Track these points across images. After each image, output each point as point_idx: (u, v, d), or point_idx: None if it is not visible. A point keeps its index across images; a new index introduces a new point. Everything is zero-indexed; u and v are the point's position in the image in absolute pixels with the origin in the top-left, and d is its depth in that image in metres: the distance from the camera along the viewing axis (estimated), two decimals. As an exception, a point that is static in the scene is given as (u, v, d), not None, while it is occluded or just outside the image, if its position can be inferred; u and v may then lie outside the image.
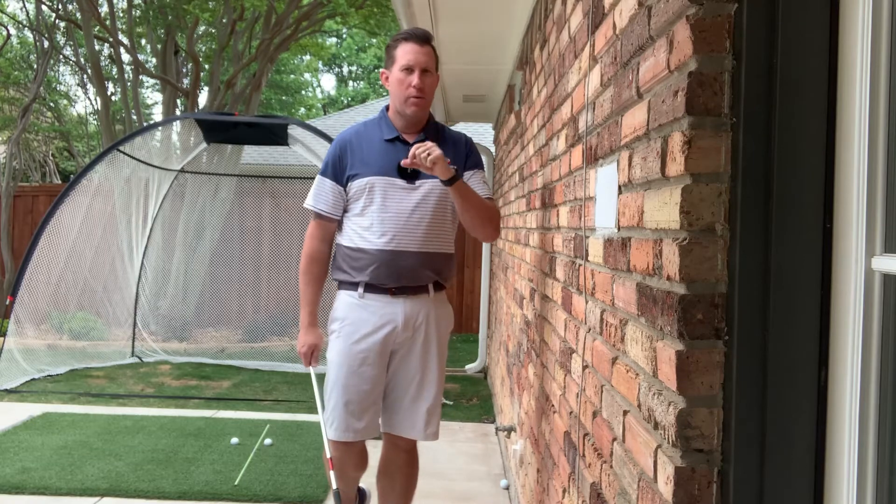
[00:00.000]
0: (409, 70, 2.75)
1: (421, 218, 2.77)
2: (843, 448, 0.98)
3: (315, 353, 2.93)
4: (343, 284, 2.86)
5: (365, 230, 2.79)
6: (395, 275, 2.77)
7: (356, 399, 2.79)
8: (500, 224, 2.88)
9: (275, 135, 7.17)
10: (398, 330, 2.79)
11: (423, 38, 2.80)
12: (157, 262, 8.53)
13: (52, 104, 16.80)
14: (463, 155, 2.86)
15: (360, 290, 2.80)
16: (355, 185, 2.80)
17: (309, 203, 2.90)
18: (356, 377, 2.78)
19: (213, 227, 8.90)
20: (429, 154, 2.53)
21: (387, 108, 2.90)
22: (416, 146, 2.56)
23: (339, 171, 2.85)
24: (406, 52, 2.76)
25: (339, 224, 2.90)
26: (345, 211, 2.86)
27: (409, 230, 2.77)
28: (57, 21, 12.99)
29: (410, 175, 2.76)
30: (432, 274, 2.83)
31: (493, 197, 2.93)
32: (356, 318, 2.80)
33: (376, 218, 2.77)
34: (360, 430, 2.81)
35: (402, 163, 2.60)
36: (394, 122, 2.86)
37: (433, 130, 2.88)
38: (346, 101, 29.03)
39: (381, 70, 2.94)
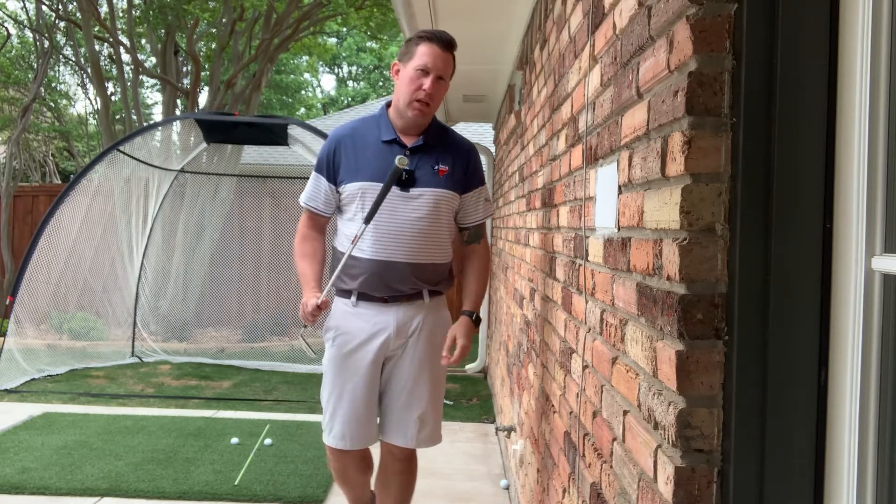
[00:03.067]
0: (424, 72, 2.62)
1: (414, 228, 2.66)
2: (843, 448, 0.98)
3: (315, 312, 2.62)
4: (338, 291, 2.79)
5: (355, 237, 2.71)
6: (384, 285, 2.69)
7: (352, 408, 2.74)
8: (491, 262, 2.92)
9: (275, 135, 7.18)
10: (391, 337, 2.72)
11: (447, 44, 2.66)
12: (156, 262, 8.53)
13: (52, 104, 16.81)
14: (462, 170, 2.74)
15: (353, 298, 2.74)
16: (347, 190, 2.70)
17: (302, 200, 2.83)
18: (349, 387, 2.73)
19: (212, 227, 8.90)
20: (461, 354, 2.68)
21: (387, 105, 2.77)
22: (455, 357, 2.69)
23: (331, 169, 2.74)
24: (426, 53, 2.63)
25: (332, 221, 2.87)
26: (340, 211, 2.78)
27: (401, 240, 2.66)
28: (57, 21, 13.00)
29: (405, 182, 2.64)
30: (425, 283, 2.74)
31: (491, 212, 2.90)
32: (349, 327, 2.74)
33: (368, 226, 2.65)
34: (356, 438, 2.76)
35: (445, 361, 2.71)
36: (393, 121, 2.73)
37: (434, 134, 2.75)
38: (346, 101, 29.03)
39: (393, 61, 2.78)
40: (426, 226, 2.68)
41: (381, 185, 2.64)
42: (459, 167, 2.74)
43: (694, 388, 1.06)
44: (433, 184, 2.68)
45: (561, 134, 2.39)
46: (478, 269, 2.85)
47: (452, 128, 2.95)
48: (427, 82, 2.62)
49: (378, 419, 2.86)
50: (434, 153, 2.72)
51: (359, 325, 2.73)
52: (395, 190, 2.65)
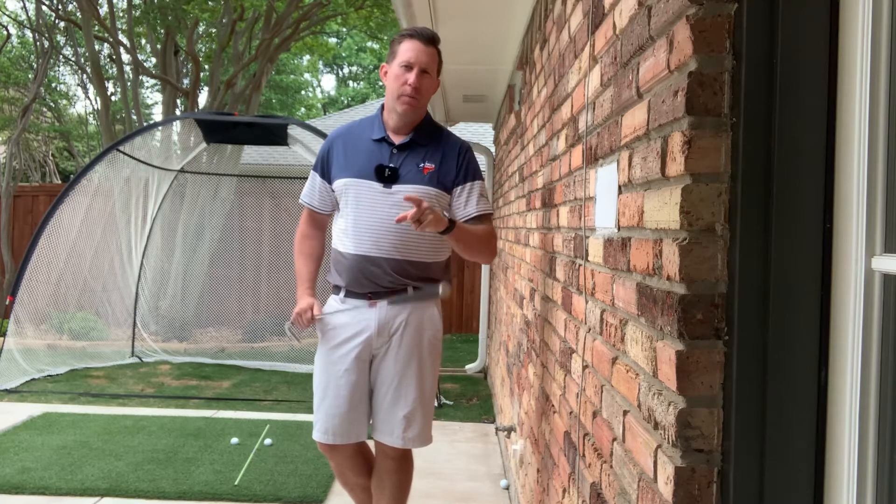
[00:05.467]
0: (407, 67, 2.69)
1: (395, 224, 2.65)
2: (843, 448, 0.98)
3: (311, 315, 2.78)
4: (333, 287, 2.85)
5: (343, 233, 2.78)
6: (365, 281, 2.73)
7: (335, 403, 2.78)
8: (496, 247, 2.77)
9: (274, 135, 7.18)
10: (373, 336, 2.75)
11: (428, 38, 2.74)
12: (156, 262, 8.53)
13: (52, 104, 16.82)
14: (454, 167, 2.75)
15: (342, 294, 2.80)
16: (335, 186, 2.80)
17: (301, 198, 2.95)
18: (335, 382, 2.78)
19: (212, 227, 8.90)
20: (420, 221, 2.41)
21: (383, 106, 2.84)
22: (411, 213, 2.41)
23: (325, 168, 2.85)
24: (408, 49, 2.70)
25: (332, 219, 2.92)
26: (338, 209, 2.85)
27: (380, 236, 2.70)
28: (57, 21, 13.00)
29: (387, 178, 2.69)
30: (409, 280, 2.75)
31: (490, 210, 2.82)
32: (336, 322, 2.80)
33: (350, 222, 2.73)
34: (339, 433, 2.79)
35: (397, 218, 2.47)
36: (386, 120, 2.80)
37: (426, 132, 2.79)
38: (346, 101, 29.02)
39: (382, 64, 2.87)
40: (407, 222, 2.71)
41: (367, 181, 2.71)
42: (448, 166, 2.75)
43: (694, 388, 1.06)
44: (416, 181, 2.71)
45: (561, 134, 2.39)
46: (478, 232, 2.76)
47: (451, 128, 2.96)
48: (411, 77, 2.69)
49: (371, 417, 2.88)
50: (422, 151, 2.76)
51: (345, 320, 2.79)
52: (377, 186, 2.71)
